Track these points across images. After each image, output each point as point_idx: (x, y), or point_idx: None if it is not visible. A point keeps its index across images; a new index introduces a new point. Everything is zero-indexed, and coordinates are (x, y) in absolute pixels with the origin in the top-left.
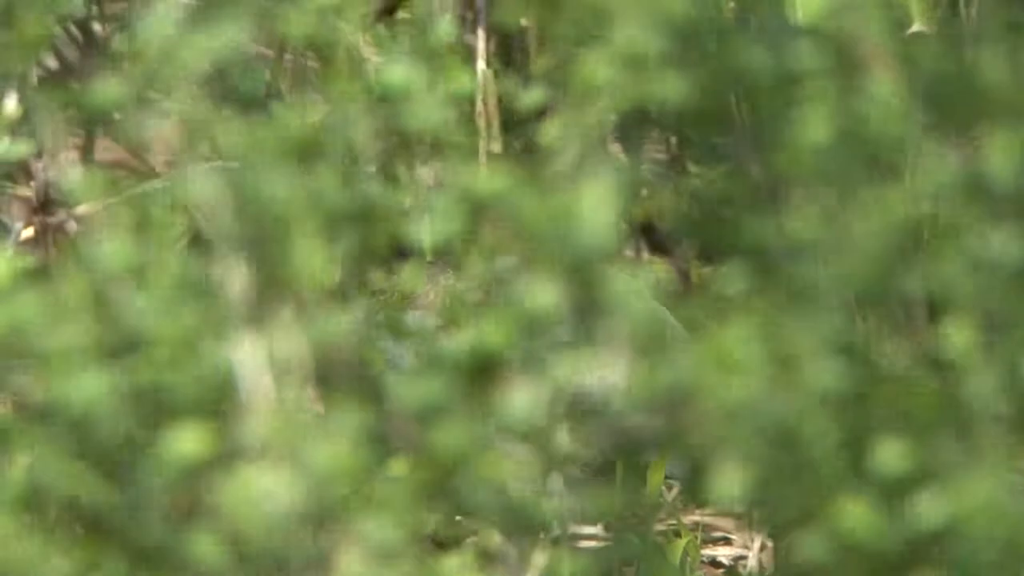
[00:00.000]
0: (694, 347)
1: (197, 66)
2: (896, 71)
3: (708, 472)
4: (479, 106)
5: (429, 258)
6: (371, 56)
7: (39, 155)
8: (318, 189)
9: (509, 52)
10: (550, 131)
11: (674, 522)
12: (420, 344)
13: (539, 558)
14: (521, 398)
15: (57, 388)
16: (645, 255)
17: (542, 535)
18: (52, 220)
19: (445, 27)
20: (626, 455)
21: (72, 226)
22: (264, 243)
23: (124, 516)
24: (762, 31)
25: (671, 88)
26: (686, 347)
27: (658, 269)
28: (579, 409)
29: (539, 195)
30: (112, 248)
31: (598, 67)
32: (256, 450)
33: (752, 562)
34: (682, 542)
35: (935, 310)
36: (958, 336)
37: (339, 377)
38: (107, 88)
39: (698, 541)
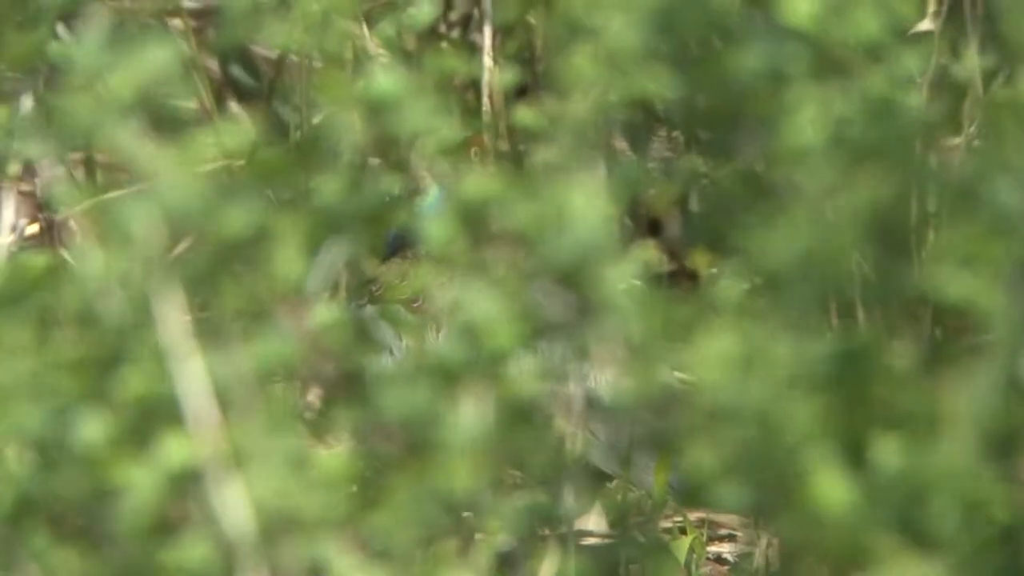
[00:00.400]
0: (685, 349)
1: (126, 91)
2: (888, 76)
3: (695, 467)
4: (485, 102)
5: (426, 258)
6: (376, 56)
7: (44, 154)
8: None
9: (515, 49)
10: (541, 124)
11: (679, 519)
12: (414, 340)
13: (546, 557)
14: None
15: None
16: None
17: (548, 534)
18: (56, 217)
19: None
20: (629, 453)
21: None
22: (210, 265)
23: (105, 528)
24: (754, 32)
25: (660, 86)
26: (678, 348)
27: (649, 254)
28: (580, 408)
29: (532, 197)
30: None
31: (584, 64)
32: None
33: (758, 559)
34: (687, 539)
35: (934, 310)
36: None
37: (330, 380)
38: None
39: (703, 538)
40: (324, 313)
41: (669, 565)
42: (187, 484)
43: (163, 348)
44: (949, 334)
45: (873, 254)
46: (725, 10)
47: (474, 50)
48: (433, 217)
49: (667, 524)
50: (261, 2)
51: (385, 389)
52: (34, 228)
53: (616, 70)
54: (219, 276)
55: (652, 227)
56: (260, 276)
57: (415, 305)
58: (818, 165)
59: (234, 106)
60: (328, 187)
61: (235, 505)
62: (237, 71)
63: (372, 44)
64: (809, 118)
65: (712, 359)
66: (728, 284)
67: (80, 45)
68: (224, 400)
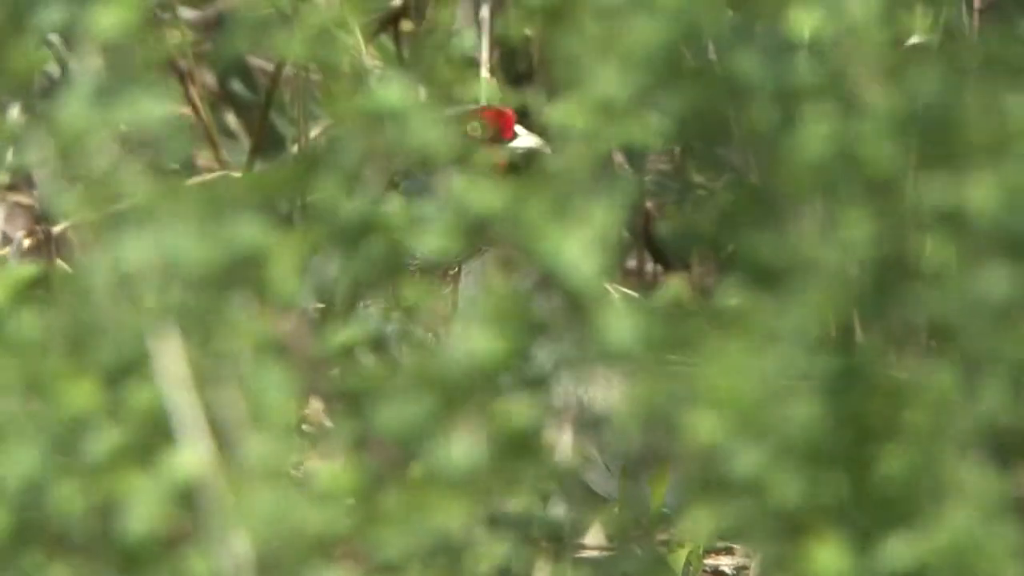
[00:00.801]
0: (685, 374)
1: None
2: (889, 90)
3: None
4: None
5: (431, 270)
6: (374, 68)
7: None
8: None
9: (513, 63)
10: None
11: (676, 532)
12: (417, 354)
13: (544, 571)
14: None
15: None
16: (648, 266)
17: (546, 547)
18: (54, 230)
19: (468, 40)
20: (628, 468)
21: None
22: (200, 302)
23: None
24: (759, 47)
25: (649, 132)
26: (677, 370)
27: (672, 286)
28: (580, 424)
29: (533, 212)
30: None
31: (574, 114)
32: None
33: (754, 571)
34: (684, 552)
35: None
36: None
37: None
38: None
39: (700, 551)
40: (334, 330)
41: None
42: (189, 499)
43: (160, 376)
44: (948, 348)
45: (875, 270)
46: (728, 24)
47: (472, 64)
48: (433, 228)
49: (664, 537)
50: (266, 16)
51: (382, 405)
52: (31, 241)
53: (609, 119)
54: (217, 301)
55: (648, 240)
56: (258, 296)
57: (416, 314)
58: (825, 180)
59: (231, 119)
60: (328, 200)
61: (235, 520)
62: (235, 84)
63: (369, 57)
64: (817, 134)
65: (713, 394)
66: (727, 296)
67: (68, 98)
68: (221, 421)
